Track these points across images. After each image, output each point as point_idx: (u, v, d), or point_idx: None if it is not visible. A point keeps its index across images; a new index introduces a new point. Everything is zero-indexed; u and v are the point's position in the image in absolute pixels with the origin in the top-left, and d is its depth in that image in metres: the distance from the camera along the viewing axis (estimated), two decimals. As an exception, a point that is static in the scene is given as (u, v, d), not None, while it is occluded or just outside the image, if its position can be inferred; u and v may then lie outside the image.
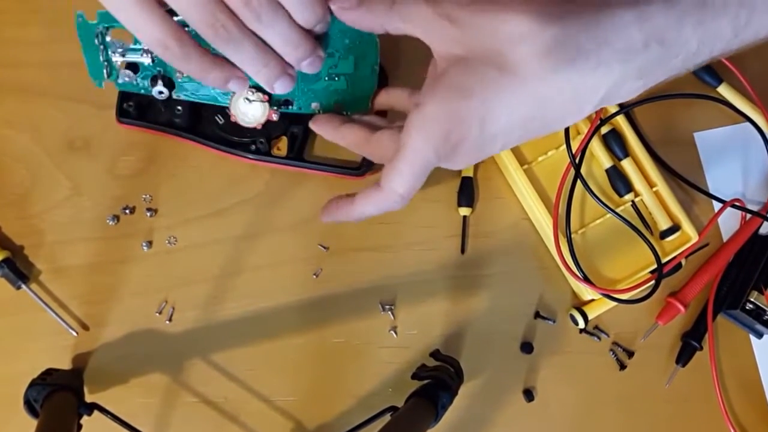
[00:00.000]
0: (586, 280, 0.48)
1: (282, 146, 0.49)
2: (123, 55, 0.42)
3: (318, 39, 0.39)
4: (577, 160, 0.48)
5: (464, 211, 0.50)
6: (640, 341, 0.51)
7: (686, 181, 0.51)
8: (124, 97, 0.48)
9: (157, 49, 0.35)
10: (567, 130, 0.48)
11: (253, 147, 0.48)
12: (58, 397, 0.43)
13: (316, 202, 0.50)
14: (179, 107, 0.46)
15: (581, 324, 0.49)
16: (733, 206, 0.50)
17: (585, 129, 0.49)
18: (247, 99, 0.43)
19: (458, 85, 0.34)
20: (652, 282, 0.48)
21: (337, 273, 0.49)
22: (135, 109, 0.47)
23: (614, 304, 0.49)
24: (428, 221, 0.50)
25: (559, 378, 0.50)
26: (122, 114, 0.48)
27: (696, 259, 0.51)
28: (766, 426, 0.50)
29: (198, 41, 0.35)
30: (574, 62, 0.32)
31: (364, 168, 0.49)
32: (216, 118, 0.47)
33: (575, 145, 0.49)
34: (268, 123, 0.45)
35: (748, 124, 0.51)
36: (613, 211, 0.48)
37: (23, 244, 0.48)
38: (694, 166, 0.52)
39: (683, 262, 0.51)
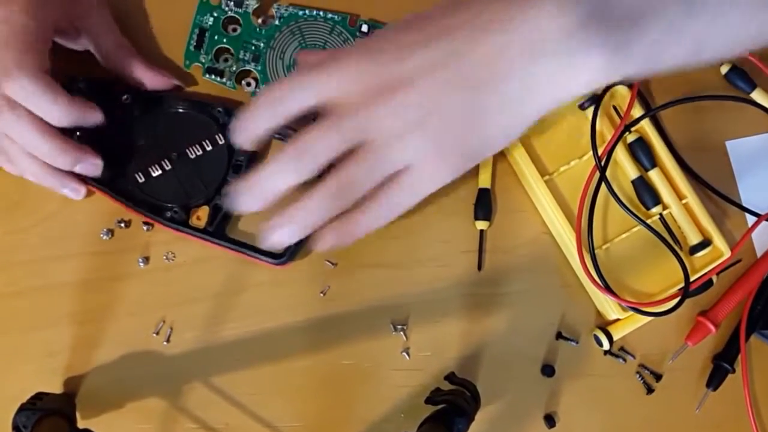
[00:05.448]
0: (609, 290, 0.47)
1: (202, 216, 0.48)
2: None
3: None
4: (602, 164, 0.48)
5: (481, 224, 0.50)
6: (669, 363, 0.51)
7: (718, 192, 0.51)
8: None
9: None
10: (593, 132, 0.48)
11: (169, 214, 0.47)
12: (48, 422, 0.42)
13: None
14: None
15: (606, 345, 0.49)
16: (768, 220, 0.50)
17: (609, 136, 0.49)
18: None
19: None
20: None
21: (345, 291, 0.49)
22: None
23: (640, 324, 0.49)
24: (443, 236, 0.50)
25: (582, 402, 0.50)
26: None
27: (728, 276, 0.51)
28: (803, 454, 0.51)
29: None
30: None
31: (287, 257, 0.47)
32: (136, 175, 0.47)
33: (599, 153, 0.49)
34: (191, 189, 0.46)
35: (783, 131, 0.51)
36: (640, 219, 0.48)
37: (13, 259, 0.48)
38: (726, 177, 0.52)
39: (714, 279, 0.51)
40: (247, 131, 0.39)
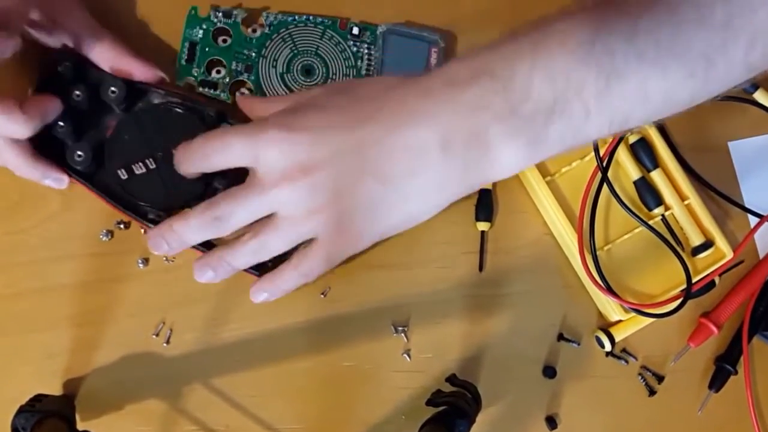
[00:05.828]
0: (611, 291, 0.47)
1: None
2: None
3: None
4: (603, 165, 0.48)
5: (482, 226, 0.50)
6: (671, 365, 0.51)
7: (720, 193, 0.51)
8: None
9: None
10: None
11: (151, 216, 0.46)
12: (48, 424, 0.42)
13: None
14: (80, 152, 0.45)
15: (608, 346, 0.49)
16: (771, 221, 0.50)
17: (611, 137, 0.49)
18: None
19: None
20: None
21: (346, 292, 0.49)
22: (38, 137, 0.44)
23: (642, 325, 0.49)
24: (444, 237, 0.50)
25: (584, 404, 0.50)
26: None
27: (730, 277, 0.51)
28: (805, 456, 0.51)
29: None
30: None
31: (271, 267, 0.46)
32: (119, 172, 0.45)
33: (601, 154, 0.49)
34: (174, 191, 0.45)
35: (786, 132, 0.51)
36: (642, 220, 0.48)
37: (11, 260, 0.48)
38: (729, 178, 0.52)
39: (717, 280, 0.51)
40: (181, 170, 0.44)
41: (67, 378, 0.47)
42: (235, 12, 0.49)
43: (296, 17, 0.50)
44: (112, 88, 0.45)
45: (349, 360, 0.49)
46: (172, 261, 0.48)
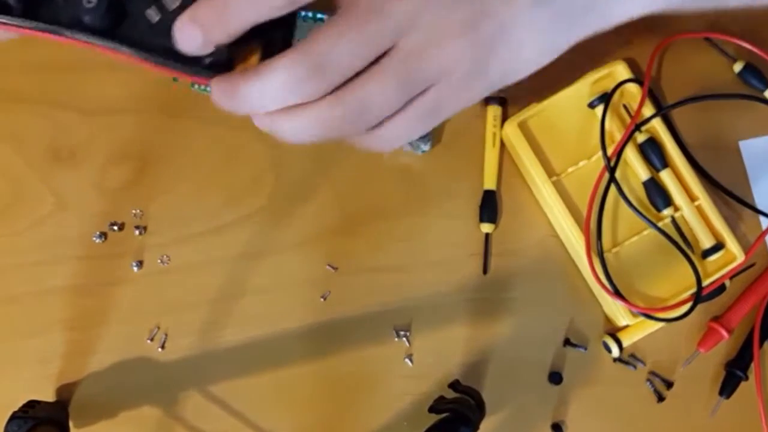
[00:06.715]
0: (619, 295, 0.47)
1: (254, 61, 0.33)
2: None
3: None
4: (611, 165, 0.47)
5: (487, 227, 0.49)
6: (680, 370, 0.50)
7: (731, 194, 0.50)
8: None
9: None
10: (602, 131, 0.47)
11: (209, 60, 0.32)
12: (41, 431, 0.42)
13: (325, 217, 0.49)
14: None
15: (615, 352, 0.48)
16: (783, 222, 0.49)
17: (619, 136, 0.48)
18: None
19: None
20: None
21: (347, 295, 0.49)
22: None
23: (651, 330, 0.49)
24: (447, 239, 0.49)
25: (591, 411, 0.49)
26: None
27: (741, 280, 0.51)
28: (819, 464, 0.50)
29: None
30: None
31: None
32: (148, 12, 0.32)
33: (609, 153, 0.48)
34: None
35: (799, 131, 0.50)
36: (651, 221, 0.47)
37: (3, 263, 0.48)
38: (740, 178, 0.51)
39: (727, 283, 0.50)
40: (217, 25, 0.29)
41: (61, 383, 0.47)
42: None
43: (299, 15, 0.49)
44: None
45: (349, 365, 0.48)
46: (168, 263, 0.48)
